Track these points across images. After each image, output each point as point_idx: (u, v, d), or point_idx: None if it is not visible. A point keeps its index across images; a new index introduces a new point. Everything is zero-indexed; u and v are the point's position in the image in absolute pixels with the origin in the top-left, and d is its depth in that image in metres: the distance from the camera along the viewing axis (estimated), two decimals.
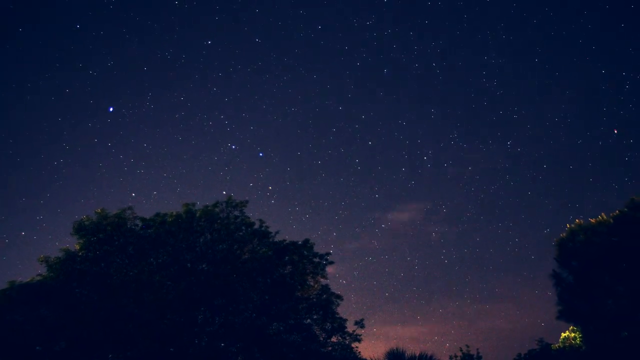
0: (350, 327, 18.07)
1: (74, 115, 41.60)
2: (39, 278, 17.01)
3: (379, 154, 47.44)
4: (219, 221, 18.15)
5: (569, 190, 44.59)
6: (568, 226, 18.12)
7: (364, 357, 18.11)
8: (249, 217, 18.51)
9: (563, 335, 18.98)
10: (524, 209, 45.92)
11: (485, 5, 42.88)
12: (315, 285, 18.31)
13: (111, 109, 39.26)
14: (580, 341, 18.02)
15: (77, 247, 17.39)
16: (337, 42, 44.10)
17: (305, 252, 18.36)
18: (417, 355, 17.26)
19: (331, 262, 18.61)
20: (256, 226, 18.49)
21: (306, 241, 18.56)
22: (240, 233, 18.23)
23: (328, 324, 17.83)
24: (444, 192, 48.24)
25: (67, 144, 40.52)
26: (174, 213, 18.07)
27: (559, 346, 18.30)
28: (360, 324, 18.06)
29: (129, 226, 17.72)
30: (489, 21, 44.31)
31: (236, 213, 18.44)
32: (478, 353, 17.87)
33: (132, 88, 42.72)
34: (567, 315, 17.77)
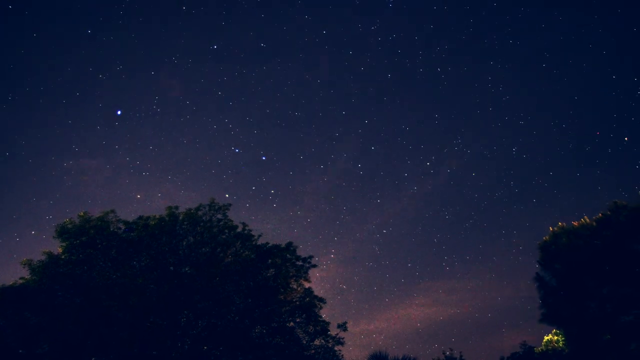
0: (333, 330, 18.10)
1: (84, 118, 42.31)
2: (21, 281, 17.02)
3: (381, 159, 47.34)
4: (201, 224, 18.16)
5: (575, 198, 43.89)
6: (551, 229, 18.11)
7: None
8: (232, 220, 18.53)
9: (546, 338, 18.97)
10: (528, 216, 45.47)
11: (492, 10, 42.21)
12: (299, 289, 18.31)
13: (119, 112, 39.66)
14: (563, 344, 18.01)
15: (60, 250, 17.39)
16: (342, 46, 44.20)
17: (288, 255, 18.37)
18: (400, 357, 17.31)
19: (314, 266, 18.64)
20: (239, 229, 18.50)
21: (289, 244, 18.57)
22: (223, 236, 18.24)
23: (311, 327, 17.82)
24: (447, 198, 47.98)
25: (76, 145, 41.00)
26: (157, 216, 18.08)
27: (542, 349, 18.29)
28: (343, 327, 18.07)
29: (112, 229, 17.72)
30: (495, 26, 43.70)
31: (219, 216, 18.46)
32: (461, 355, 17.87)
33: (139, 92, 43.19)
34: (550, 319, 17.77)
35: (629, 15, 39.49)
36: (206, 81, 43.07)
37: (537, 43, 43.92)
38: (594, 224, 17.47)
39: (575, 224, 17.79)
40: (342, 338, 17.96)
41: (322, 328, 17.84)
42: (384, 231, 45.95)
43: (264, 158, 43.54)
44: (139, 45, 41.35)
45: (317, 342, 17.83)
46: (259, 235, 18.69)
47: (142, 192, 40.90)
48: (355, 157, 47.51)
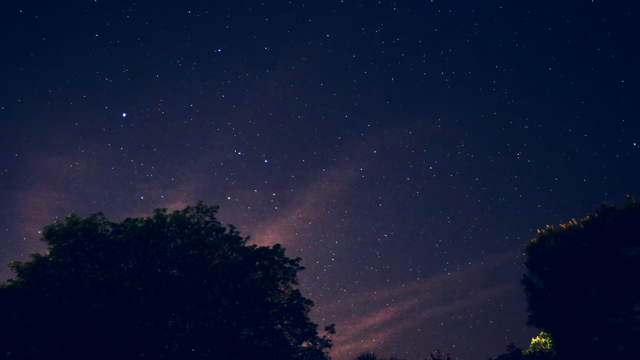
0: (320, 332, 18.11)
1: (90, 120, 42.78)
2: (9, 283, 17.05)
3: (383, 163, 47.06)
4: (189, 227, 18.18)
5: (581, 205, 43.09)
6: (539, 231, 18.05)
7: None
8: (219, 223, 18.57)
9: (533, 340, 18.94)
10: (533, 222, 44.79)
11: (497, 13, 41.30)
12: (286, 291, 18.33)
13: (124, 115, 40.06)
14: (551, 347, 17.98)
15: (48, 252, 17.41)
16: (345, 50, 44.00)
17: (275, 257, 18.38)
18: (387, 359, 17.33)
19: (302, 268, 18.66)
20: (227, 231, 18.52)
21: (277, 247, 18.58)
22: (211, 238, 18.26)
23: (299, 329, 17.84)
24: (449, 203, 47.50)
25: (82, 147, 41.36)
26: (145, 218, 18.10)
27: (529, 351, 18.26)
28: (330, 329, 18.07)
29: (99, 232, 17.74)
30: (500, 29, 42.83)
31: (207, 218, 18.47)
32: (448, 357, 17.87)
33: (144, 94, 43.57)
34: (537, 321, 17.68)
35: (638, 19, 38.49)
36: (210, 84, 43.37)
37: (543, 46, 43.23)
38: (582, 226, 17.37)
39: (563, 226, 17.70)
40: (330, 340, 17.99)
41: (310, 330, 17.86)
42: (385, 235, 45.70)
43: (266, 161, 43.71)
44: (145, 48, 41.84)
45: (304, 344, 17.87)
46: (247, 238, 18.74)
47: (146, 193, 41.15)
48: (357, 160, 47.39)
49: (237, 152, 42.68)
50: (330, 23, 44.03)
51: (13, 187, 41.66)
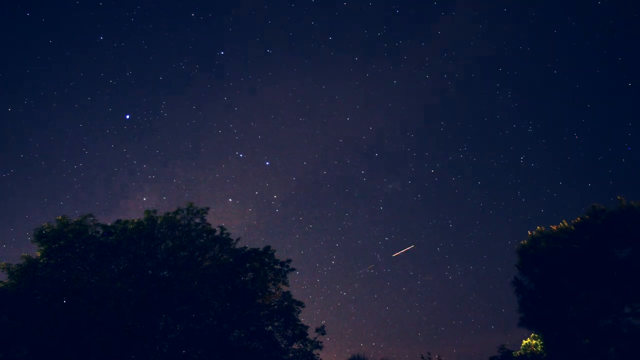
0: (311, 334, 18.10)
1: (94, 122, 43.30)
2: (0, 285, 17.04)
3: (385, 166, 46.90)
4: (180, 228, 18.16)
5: (585, 209, 42.19)
6: (529, 233, 18.03)
7: None
8: (210, 224, 18.54)
9: (524, 342, 18.93)
10: (534, 225, 43.99)
11: (502, 15, 40.83)
12: (277, 292, 18.31)
13: (128, 117, 40.28)
14: (542, 348, 17.97)
15: (38, 254, 17.40)
16: (348, 53, 43.83)
17: (266, 259, 18.36)
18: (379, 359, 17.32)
19: (292, 269, 18.65)
20: (217, 233, 18.50)
21: (267, 248, 18.57)
22: (202, 240, 18.24)
23: (289, 331, 17.83)
24: (451, 207, 47.30)
25: (86, 148, 41.60)
26: (135, 220, 18.07)
27: (520, 353, 18.25)
28: (321, 330, 18.07)
29: (90, 233, 17.72)
30: (505, 31, 42.29)
31: (197, 220, 18.48)
32: (438, 358, 17.87)
33: (147, 97, 43.67)
34: (528, 323, 17.68)
35: None
36: (212, 86, 43.43)
37: (548, 49, 42.80)
38: (573, 228, 17.36)
39: (554, 228, 17.69)
40: (321, 342, 17.99)
41: (301, 332, 17.85)
42: (386, 238, 45.58)
43: (267, 163, 43.73)
44: (148, 51, 42.06)
45: (295, 346, 17.86)
46: (237, 239, 18.75)
47: (148, 195, 41.24)
48: (359, 163, 47.20)
49: (239, 154, 42.77)
50: (333, 26, 44.02)
51: (18, 186, 41.91)
